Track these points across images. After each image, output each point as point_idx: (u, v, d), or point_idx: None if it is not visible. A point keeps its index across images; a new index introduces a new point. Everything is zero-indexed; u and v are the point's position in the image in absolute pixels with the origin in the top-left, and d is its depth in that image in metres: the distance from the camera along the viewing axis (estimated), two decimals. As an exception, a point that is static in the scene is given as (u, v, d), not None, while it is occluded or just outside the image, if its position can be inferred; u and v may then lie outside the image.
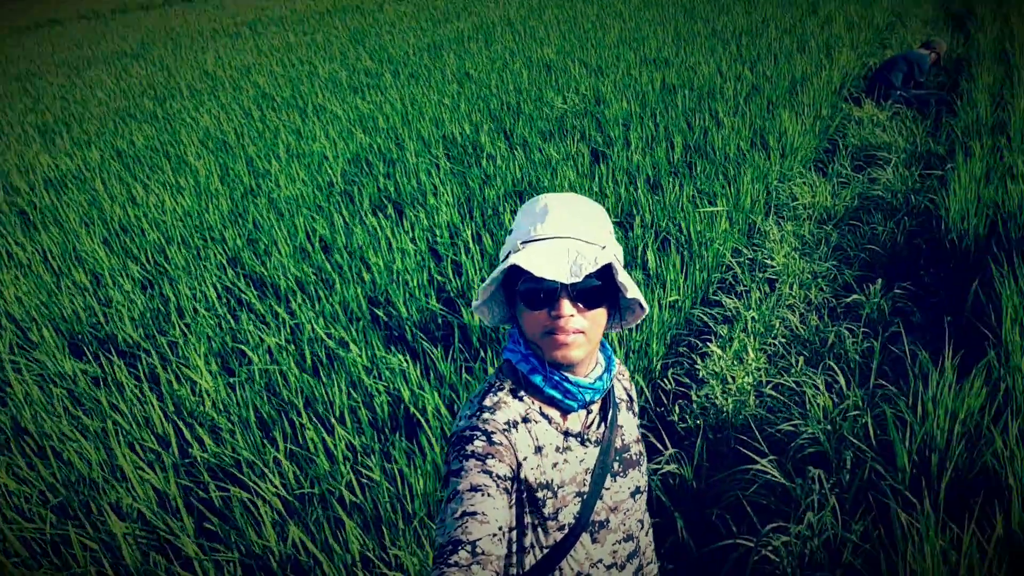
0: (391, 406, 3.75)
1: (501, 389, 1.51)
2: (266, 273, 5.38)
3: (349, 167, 7.56)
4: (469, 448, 1.37)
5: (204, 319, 4.83)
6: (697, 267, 4.69)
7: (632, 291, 1.42)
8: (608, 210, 5.52)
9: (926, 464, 3.09)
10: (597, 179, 6.11)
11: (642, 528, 1.69)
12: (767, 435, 3.52)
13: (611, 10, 15.53)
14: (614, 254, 1.46)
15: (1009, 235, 4.60)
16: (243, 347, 4.38)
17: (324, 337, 4.37)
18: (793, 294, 4.67)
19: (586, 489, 1.51)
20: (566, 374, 1.46)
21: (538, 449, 1.46)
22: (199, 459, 3.53)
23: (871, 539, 2.92)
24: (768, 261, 5.00)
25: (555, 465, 1.47)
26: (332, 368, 4.15)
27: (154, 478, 3.35)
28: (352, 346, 4.18)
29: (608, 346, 1.60)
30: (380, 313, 4.62)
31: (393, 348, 4.25)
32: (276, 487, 3.20)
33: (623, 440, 1.61)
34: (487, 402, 1.48)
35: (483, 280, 4.81)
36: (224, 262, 5.68)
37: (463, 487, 1.30)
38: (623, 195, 5.70)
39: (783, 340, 4.25)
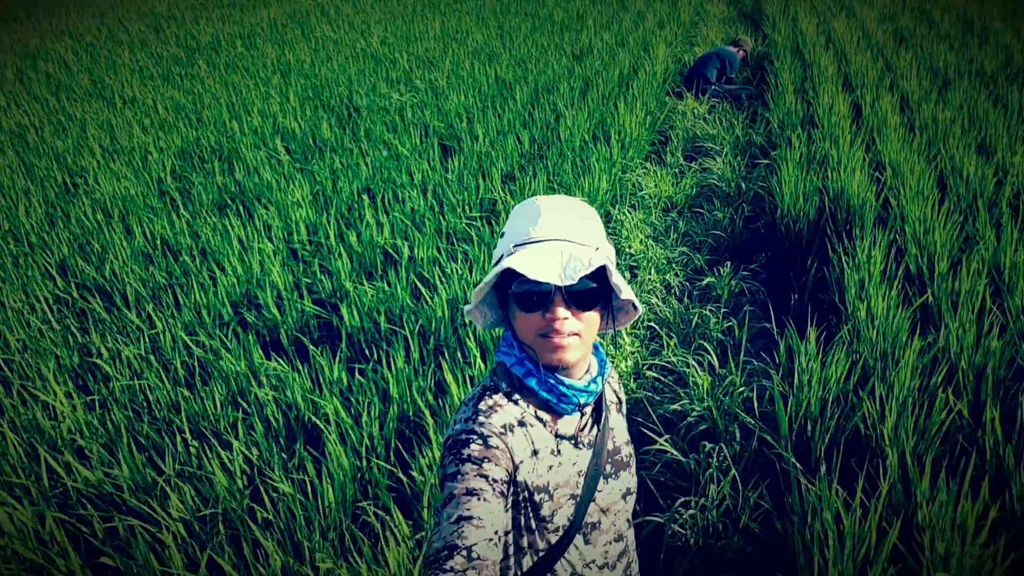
0: (284, 415, 3.59)
1: (496, 392, 1.50)
2: (105, 280, 4.94)
3: (178, 162, 7.08)
4: (465, 452, 1.36)
5: (42, 333, 4.37)
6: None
7: (626, 292, 1.44)
8: (469, 204, 5.56)
9: (803, 431, 3.39)
10: (451, 172, 6.12)
11: (629, 527, 1.73)
12: (658, 415, 3.71)
13: (428, 3, 15.50)
14: (607, 255, 1.46)
15: (836, 216, 5.10)
16: (98, 362, 4.01)
17: (192, 345, 4.09)
18: (653, 279, 4.92)
19: (579, 491, 1.51)
20: (560, 377, 1.47)
21: (534, 452, 1.46)
22: (71, 488, 3.20)
23: (765, 504, 3.17)
24: (627, 248, 5.24)
25: (550, 468, 1.48)
26: (207, 379, 3.90)
27: (22, 512, 3.01)
28: (225, 354, 3.95)
29: (601, 349, 1.63)
30: (250, 318, 4.39)
31: (275, 355, 4.06)
32: (179, 509, 2.97)
33: (614, 442, 1.63)
34: (482, 405, 1.46)
35: (365, 281, 4.69)
36: (51, 270, 5.16)
37: (459, 491, 1.30)
38: (480, 187, 5.75)
39: (652, 324, 4.48)
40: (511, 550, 1.51)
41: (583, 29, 11.36)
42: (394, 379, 3.62)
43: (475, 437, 1.38)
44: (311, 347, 3.94)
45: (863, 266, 4.28)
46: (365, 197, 5.76)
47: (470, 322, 4.25)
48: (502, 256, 1.47)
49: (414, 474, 3.13)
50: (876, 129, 6.40)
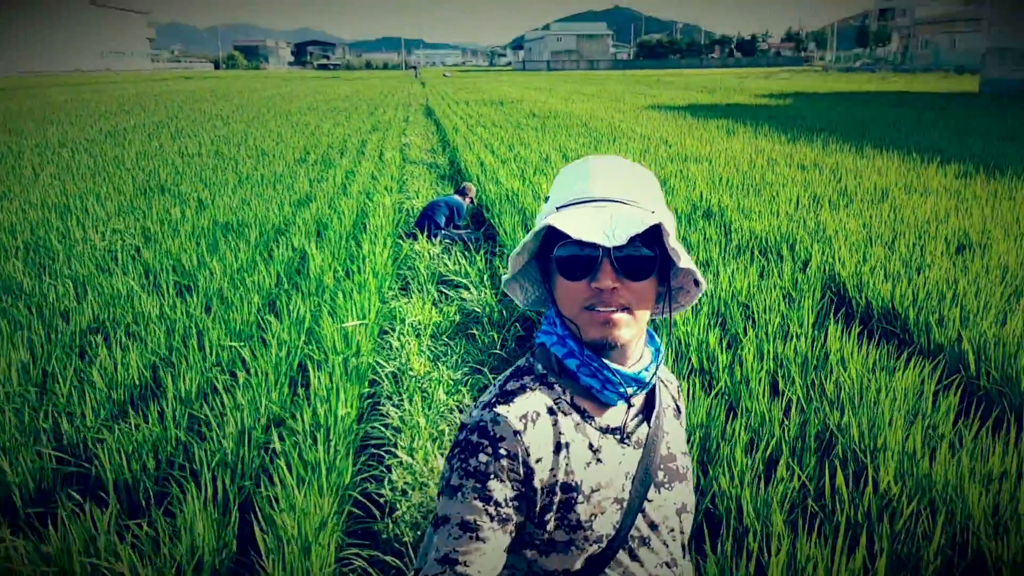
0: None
1: (528, 373, 1.31)
2: None
3: None
4: (472, 462, 1.20)
5: None
6: (353, 381, 4.42)
7: (685, 260, 1.26)
8: (233, 333, 4.94)
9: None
10: (195, 308, 5.45)
11: (685, 556, 1.45)
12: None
13: (112, 159, 14.43)
14: (664, 219, 1.28)
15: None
16: None
17: None
18: (445, 401, 4.67)
19: (626, 496, 1.29)
20: (606, 361, 1.26)
21: (561, 446, 1.25)
22: None
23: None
24: (410, 372, 4.95)
25: (587, 465, 1.26)
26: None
27: None
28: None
29: (656, 337, 1.40)
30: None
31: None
32: None
33: (669, 448, 1.39)
34: (508, 386, 1.28)
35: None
36: None
37: (455, 518, 1.18)
38: (239, 320, 5.16)
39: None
40: (531, 568, 1.28)
41: (295, 182, 11.22)
42: (187, 529, 2.91)
43: (485, 443, 1.20)
44: (67, 502, 3.07)
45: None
46: (96, 336, 4.87)
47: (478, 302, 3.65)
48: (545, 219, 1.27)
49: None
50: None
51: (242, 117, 24.76)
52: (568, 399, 1.29)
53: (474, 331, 5.76)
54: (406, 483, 3.77)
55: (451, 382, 4.92)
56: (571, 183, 1.31)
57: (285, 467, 3.31)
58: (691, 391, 4.04)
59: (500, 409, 1.24)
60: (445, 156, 15.86)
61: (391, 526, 3.48)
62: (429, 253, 8.08)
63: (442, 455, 4.02)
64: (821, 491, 3.37)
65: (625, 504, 1.29)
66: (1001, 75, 35.78)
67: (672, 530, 1.36)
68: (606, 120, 21.28)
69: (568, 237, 1.22)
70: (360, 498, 3.58)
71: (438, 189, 12.09)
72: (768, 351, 4.68)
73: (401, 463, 3.88)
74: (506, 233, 8.23)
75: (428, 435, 4.16)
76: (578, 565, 1.27)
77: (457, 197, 9.20)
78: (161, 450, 3.56)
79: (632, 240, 1.21)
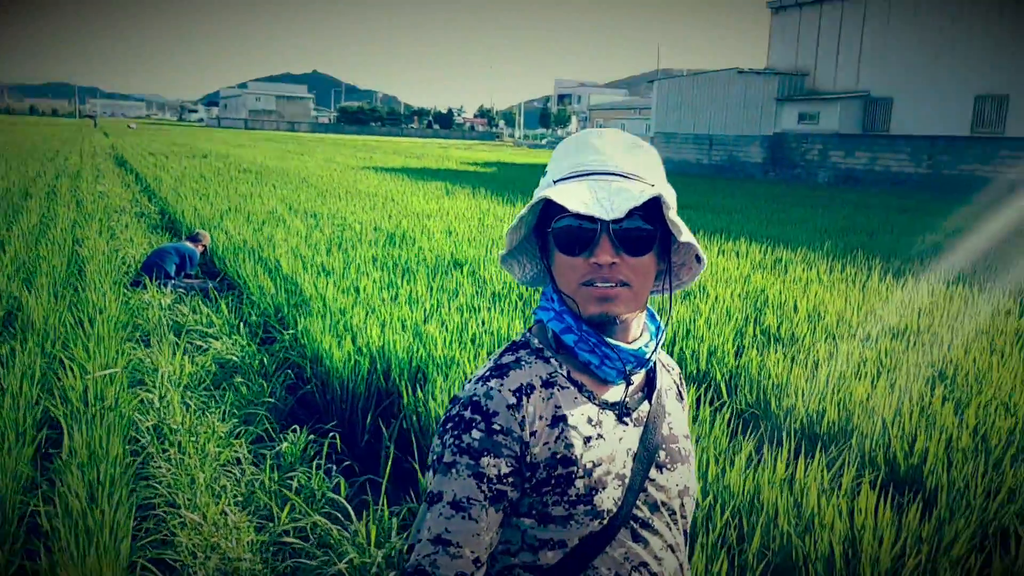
0: None
1: (524, 347, 1.30)
2: None
3: None
4: (465, 439, 1.18)
5: None
6: (116, 436, 3.83)
7: (686, 234, 1.25)
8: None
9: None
10: None
11: (687, 544, 1.42)
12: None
13: None
14: (664, 192, 1.28)
15: (388, 373, 5.13)
16: None
17: None
18: (218, 457, 4.22)
19: (627, 472, 1.26)
20: (605, 337, 1.25)
21: (558, 419, 1.23)
22: None
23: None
24: (173, 426, 4.40)
25: (587, 440, 1.24)
26: None
27: None
28: None
29: (657, 316, 1.39)
30: None
31: None
32: None
33: (671, 429, 1.37)
34: (504, 359, 1.27)
35: None
36: None
37: (447, 496, 1.16)
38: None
39: (242, 495, 3.83)
40: (525, 540, 1.22)
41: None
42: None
43: (478, 419, 1.19)
44: None
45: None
46: None
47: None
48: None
49: None
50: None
51: None
52: (565, 373, 1.26)
53: (238, 380, 5.29)
54: (195, 544, 3.31)
55: (222, 435, 4.45)
56: (569, 156, 1.28)
57: (62, 534, 2.75)
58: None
59: (493, 383, 1.21)
60: (153, 205, 14.64)
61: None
62: (161, 303, 7.33)
63: (230, 510, 3.61)
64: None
65: (627, 481, 1.25)
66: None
67: (673, 513, 1.34)
68: (325, 177, 21.04)
69: (565, 211, 1.19)
70: (149, 565, 3.07)
71: (152, 238, 11.09)
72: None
73: (185, 524, 3.41)
74: (248, 284, 7.73)
75: (209, 492, 3.72)
76: (575, 540, 1.22)
77: (189, 244, 8.50)
78: None
79: (631, 213, 1.20)
